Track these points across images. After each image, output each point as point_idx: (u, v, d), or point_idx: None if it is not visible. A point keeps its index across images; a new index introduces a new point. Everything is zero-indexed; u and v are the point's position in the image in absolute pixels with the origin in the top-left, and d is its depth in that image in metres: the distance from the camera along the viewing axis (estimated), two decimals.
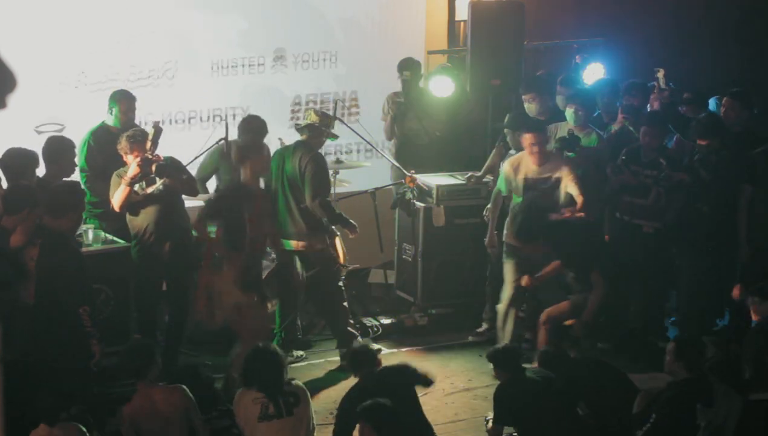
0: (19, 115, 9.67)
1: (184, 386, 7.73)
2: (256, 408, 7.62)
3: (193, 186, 9.89)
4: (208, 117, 11.64)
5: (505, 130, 10.68)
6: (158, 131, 9.61)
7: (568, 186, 9.99)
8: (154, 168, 9.49)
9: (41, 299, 7.99)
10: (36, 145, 9.74)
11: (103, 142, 10.13)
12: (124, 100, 10.25)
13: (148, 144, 9.54)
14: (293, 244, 10.10)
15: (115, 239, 9.85)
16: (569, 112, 10.68)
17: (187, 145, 10.70)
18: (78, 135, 10.18)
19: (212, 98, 11.62)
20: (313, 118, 10.14)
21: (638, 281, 10.56)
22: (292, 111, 11.99)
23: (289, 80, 11.93)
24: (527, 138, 10.05)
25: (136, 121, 10.47)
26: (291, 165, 10.04)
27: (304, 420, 7.72)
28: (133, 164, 9.49)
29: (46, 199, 8.33)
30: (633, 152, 10.42)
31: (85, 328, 8.03)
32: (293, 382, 7.87)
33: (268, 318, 9.73)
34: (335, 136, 10.36)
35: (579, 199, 9.92)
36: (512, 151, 10.62)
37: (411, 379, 8.12)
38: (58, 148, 9.60)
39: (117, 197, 9.55)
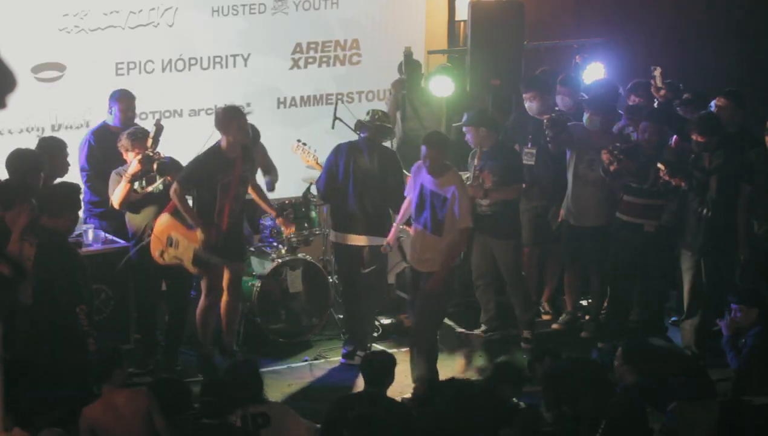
0: (18, 59, 9.63)
1: (148, 389, 7.57)
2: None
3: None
4: (209, 64, 11.66)
5: (464, 129, 10.63)
6: (159, 129, 9.62)
7: (455, 206, 9.45)
8: (155, 166, 9.50)
9: (39, 299, 7.98)
10: (31, 142, 9.80)
11: (103, 141, 10.15)
12: (123, 99, 10.27)
13: (149, 142, 9.55)
14: (361, 239, 10.12)
15: (115, 238, 9.86)
16: (586, 118, 10.67)
17: (189, 139, 10.74)
18: (78, 80, 10.44)
19: (212, 44, 11.68)
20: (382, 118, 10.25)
21: (639, 281, 10.57)
22: (293, 59, 12.06)
23: (290, 24, 11.98)
24: (422, 150, 9.56)
25: (140, 111, 10.53)
26: (367, 164, 10.08)
27: None
28: (134, 161, 9.50)
29: (43, 199, 8.33)
30: (630, 151, 10.41)
31: (83, 327, 8.02)
32: (273, 402, 7.67)
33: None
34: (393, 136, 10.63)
35: (458, 224, 9.41)
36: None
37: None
38: (52, 149, 9.60)
39: (117, 194, 9.56)
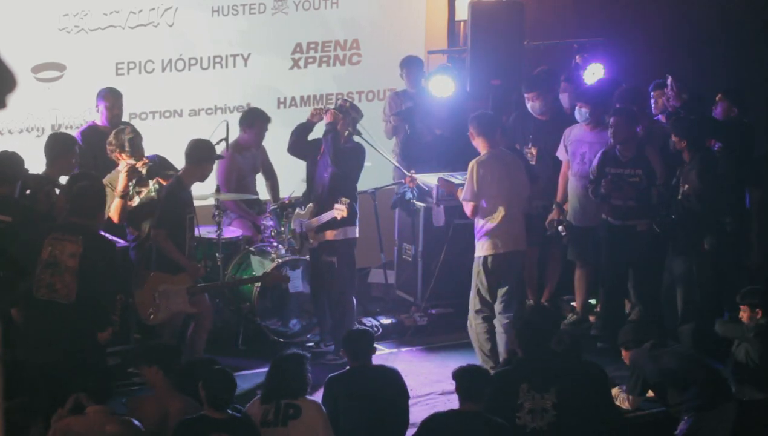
0: (18, 59, 9.64)
1: (139, 424, 7.45)
2: (259, 412, 7.59)
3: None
4: (209, 64, 11.67)
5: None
6: (135, 137, 9.63)
7: None
8: (145, 172, 9.49)
9: (85, 294, 8.09)
10: (31, 142, 9.79)
11: (92, 141, 10.17)
12: (109, 97, 10.31)
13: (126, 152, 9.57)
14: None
15: (115, 238, 9.82)
16: (577, 111, 10.68)
17: (189, 139, 10.72)
18: (78, 80, 10.54)
19: (212, 44, 11.68)
20: None
21: (635, 280, 10.55)
22: (293, 59, 12.06)
23: (290, 24, 11.99)
24: None
25: (139, 111, 10.49)
26: None
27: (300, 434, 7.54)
28: (120, 177, 9.48)
29: (72, 202, 8.41)
30: (608, 154, 10.38)
31: (112, 316, 8.07)
32: (308, 398, 7.72)
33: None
34: None
35: None
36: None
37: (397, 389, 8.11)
38: (63, 144, 9.61)
39: (113, 212, 9.52)
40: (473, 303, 9.79)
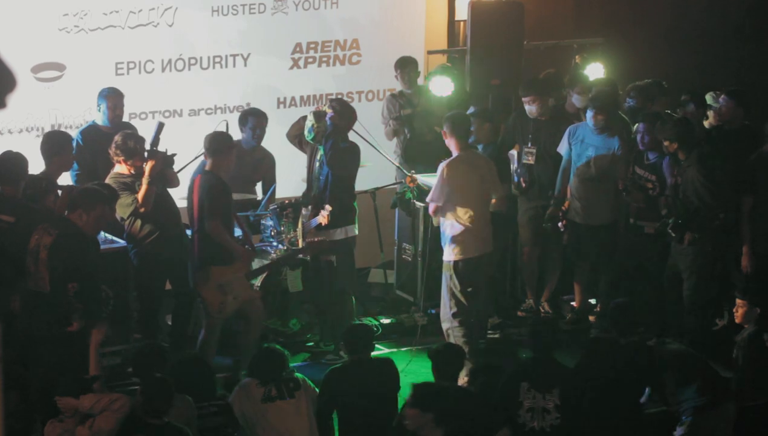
0: (18, 59, 9.65)
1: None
2: (259, 391, 7.99)
3: (175, 177, 9.87)
4: (208, 64, 11.67)
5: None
6: (160, 127, 9.58)
7: None
8: (146, 154, 9.48)
9: (56, 290, 8.04)
10: (31, 142, 9.79)
11: (92, 140, 10.15)
12: (112, 97, 10.28)
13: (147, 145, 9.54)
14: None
15: (115, 238, 9.82)
16: (589, 116, 10.65)
17: (189, 139, 10.74)
18: (78, 80, 10.59)
19: (212, 43, 11.68)
20: None
21: (643, 282, 10.55)
22: (293, 59, 12.08)
23: (290, 24, 12.00)
24: None
25: (139, 111, 10.46)
26: None
27: (307, 404, 8.05)
28: (146, 166, 9.45)
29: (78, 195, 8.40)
30: (639, 154, 10.42)
31: (73, 303, 8.01)
32: (294, 373, 8.27)
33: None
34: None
35: None
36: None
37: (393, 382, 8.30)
38: (58, 142, 9.60)
39: (147, 199, 9.45)
40: (449, 306, 9.73)
